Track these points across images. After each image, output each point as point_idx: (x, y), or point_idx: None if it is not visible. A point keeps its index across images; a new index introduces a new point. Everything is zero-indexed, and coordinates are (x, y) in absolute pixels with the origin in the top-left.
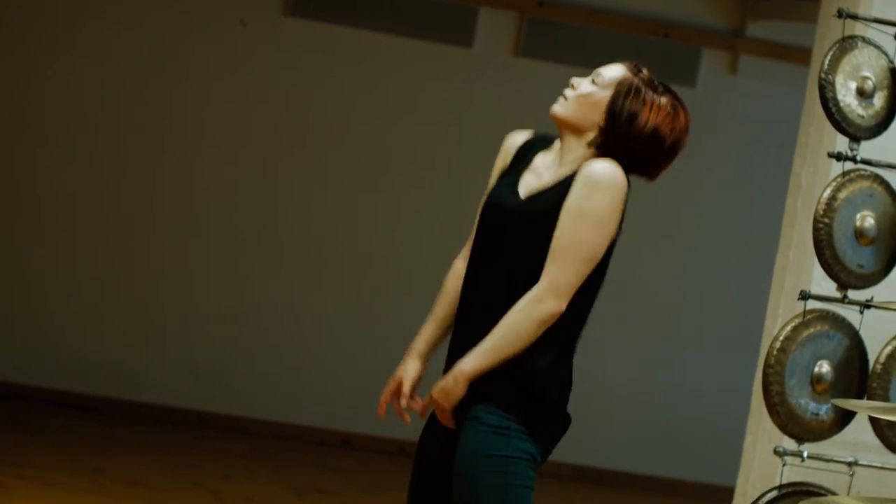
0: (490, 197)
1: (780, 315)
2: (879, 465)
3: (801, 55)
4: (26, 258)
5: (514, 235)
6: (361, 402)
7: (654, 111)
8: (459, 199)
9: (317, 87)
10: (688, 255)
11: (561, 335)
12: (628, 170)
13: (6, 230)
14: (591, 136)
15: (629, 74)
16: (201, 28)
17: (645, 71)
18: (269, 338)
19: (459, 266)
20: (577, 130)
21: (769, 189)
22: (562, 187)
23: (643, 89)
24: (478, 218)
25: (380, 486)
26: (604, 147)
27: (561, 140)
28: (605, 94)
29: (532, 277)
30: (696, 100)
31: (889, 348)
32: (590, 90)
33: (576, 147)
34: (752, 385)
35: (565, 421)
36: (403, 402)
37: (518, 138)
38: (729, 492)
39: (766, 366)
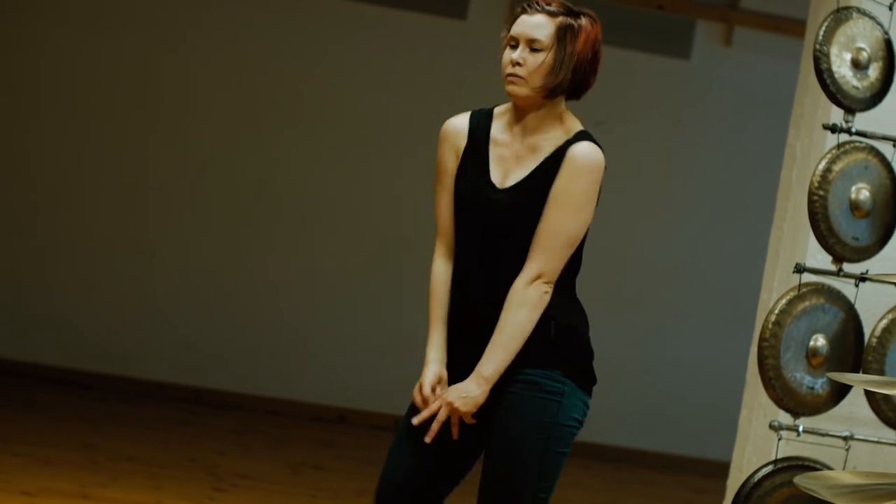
0: (467, 191)
1: (775, 288)
2: (875, 439)
3: (795, 27)
4: (19, 234)
5: (508, 227)
6: (357, 377)
7: (588, 39)
8: None
9: (311, 60)
10: (682, 228)
11: (563, 284)
12: (575, 95)
13: None
14: (551, 96)
15: (557, 20)
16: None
17: (554, 2)
18: (264, 313)
19: (441, 268)
20: (539, 99)
21: (764, 161)
22: (546, 172)
23: (574, 25)
24: (454, 213)
25: (376, 462)
26: (560, 92)
27: (518, 112)
28: (552, 53)
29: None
30: (690, 72)
31: (885, 322)
32: (540, 58)
33: (544, 116)
34: (745, 358)
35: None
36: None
37: (461, 122)
38: (725, 466)
39: (762, 339)
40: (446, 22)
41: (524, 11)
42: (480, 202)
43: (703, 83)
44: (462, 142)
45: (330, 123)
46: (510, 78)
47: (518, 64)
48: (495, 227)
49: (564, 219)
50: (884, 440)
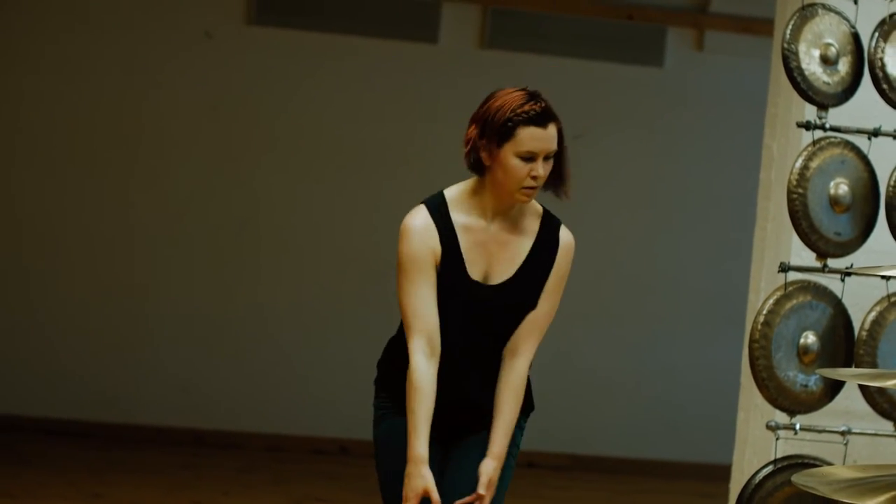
0: (457, 287)
1: (763, 289)
2: (872, 431)
3: (765, 27)
4: (9, 288)
5: (507, 317)
6: (356, 407)
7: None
8: None
9: (286, 93)
10: (664, 234)
11: None
12: None
13: None
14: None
15: (558, 123)
16: (167, 42)
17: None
18: (259, 349)
19: (425, 365)
20: None
21: (743, 162)
22: (539, 260)
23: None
24: (449, 310)
25: (380, 493)
26: None
27: (502, 205)
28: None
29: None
30: (664, 79)
31: (873, 314)
32: (550, 165)
33: (530, 205)
34: (739, 360)
35: None
36: None
37: (425, 220)
38: (726, 470)
39: (752, 341)
40: (417, 47)
41: (532, 123)
42: (473, 296)
43: (678, 89)
44: (434, 240)
45: (308, 154)
46: (526, 191)
47: (539, 177)
48: (491, 319)
49: (556, 302)
50: (881, 432)
